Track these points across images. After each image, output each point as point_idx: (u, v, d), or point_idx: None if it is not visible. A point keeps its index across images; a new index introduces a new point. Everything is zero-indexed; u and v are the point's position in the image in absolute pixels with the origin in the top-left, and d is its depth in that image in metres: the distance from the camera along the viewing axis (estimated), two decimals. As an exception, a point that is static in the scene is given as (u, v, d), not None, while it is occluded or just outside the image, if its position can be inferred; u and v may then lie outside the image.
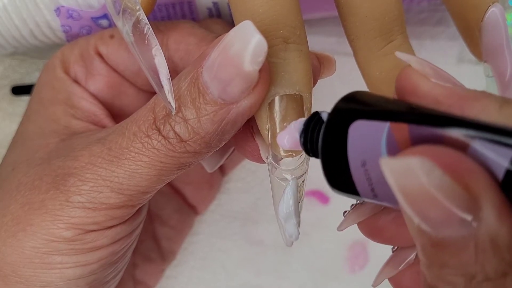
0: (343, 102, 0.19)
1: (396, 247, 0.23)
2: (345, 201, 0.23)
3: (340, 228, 0.23)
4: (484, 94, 0.17)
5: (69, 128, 0.27)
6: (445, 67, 0.20)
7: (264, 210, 0.37)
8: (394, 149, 0.17)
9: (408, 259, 0.23)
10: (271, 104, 0.21)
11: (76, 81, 0.28)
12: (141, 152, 0.23)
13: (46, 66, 0.29)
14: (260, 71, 0.20)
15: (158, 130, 0.22)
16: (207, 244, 0.37)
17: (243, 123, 0.22)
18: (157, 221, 0.34)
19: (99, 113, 0.28)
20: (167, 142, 0.22)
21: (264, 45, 0.20)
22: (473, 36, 0.26)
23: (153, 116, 0.23)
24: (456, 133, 0.15)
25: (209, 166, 0.29)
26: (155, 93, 0.22)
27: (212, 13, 0.32)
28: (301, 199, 0.23)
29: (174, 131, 0.22)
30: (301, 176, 0.23)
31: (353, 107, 0.18)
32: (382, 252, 0.24)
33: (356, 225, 0.23)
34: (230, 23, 0.32)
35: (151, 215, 0.34)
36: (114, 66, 0.29)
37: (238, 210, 0.37)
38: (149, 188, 0.23)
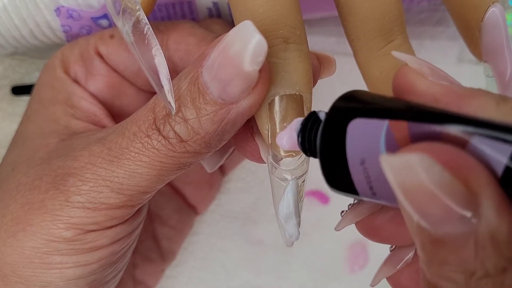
0: (340, 101, 0.19)
1: (393, 246, 0.23)
2: (346, 201, 0.23)
3: (338, 228, 0.23)
4: (481, 92, 0.17)
5: (69, 128, 0.27)
6: (445, 67, 0.20)
7: (264, 210, 0.37)
8: (393, 147, 0.17)
9: (406, 258, 0.23)
10: (271, 104, 0.21)
11: (76, 81, 0.28)
12: (141, 152, 0.23)
13: (46, 66, 0.29)
14: (260, 71, 0.20)
15: (158, 130, 0.22)
16: (207, 244, 0.37)
17: (243, 123, 0.22)
18: (157, 221, 0.34)
19: (99, 113, 0.28)
20: (167, 142, 0.22)
21: (264, 45, 0.20)
22: (473, 36, 0.26)
23: (153, 116, 0.23)
24: (455, 129, 0.16)
25: (209, 166, 0.29)
26: (155, 93, 0.22)
27: (212, 13, 0.32)
28: (301, 199, 0.23)
29: (174, 131, 0.22)
30: (301, 176, 0.23)
31: (351, 105, 0.18)
32: (382, 252, 0.24)
33: (354, 224, 0.23)
34: (230, 23, 0.32)
35: (151, 215, 0.34)
36: (114, 66, 0.29)
37: (238, 210, 0.37)
38: (149, 188, 0.23)
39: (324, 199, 0.37)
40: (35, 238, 0.24)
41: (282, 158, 0.22)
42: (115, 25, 0.27)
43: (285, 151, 0.22)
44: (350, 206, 0.23)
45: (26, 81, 0.36)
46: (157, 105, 0.23)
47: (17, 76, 0.36)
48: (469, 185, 0.15)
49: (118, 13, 0.22)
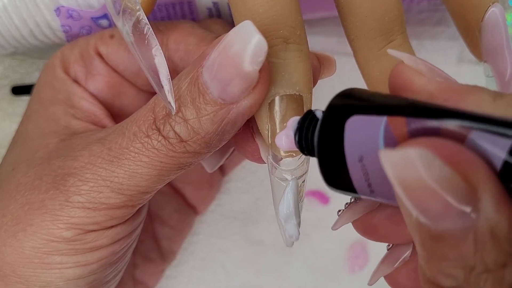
0: (338, 98, 0.19)
1: (391, 245, 0.23)
2: (346, 202, 0.23)
3: (335, 227, 0.23)
4: (477, 88, 0.17)
5: (69, 128, 0.27)
6: (445, 67, 0.20)
7: (264, 210, 0.37)
8: (392, 143, 0.17)
9: (403, 257, 0.23)
10: (271, 104, 0.21)
11: (76, 81, 0.28)
12: (141, 152, 0.23)
13: (46, 66, 0.29)
14: (260, 71, 0.20)
15: (158, 130, 0.22)
16: (207, 244, 0.37)
17: (243, 123, 0.22)
18: (157, 221, 0.34)
19: (99, 113, 0.28)
20: (167, 142, 0.22)
21: (264, 45, 0.20)
22: (473, 36, 0.26)
23: (153, 116, 0.23)
24: (453, 124, 0.16)
25: (209, 166, 0.29)
26: (155, 93, 0.22)
27: (212, 13, 0.32)
28: (301, 200, 0.23)
29: (174, 131, 0.22)
30: (301, 176, 0.23)
31: (349, 102, 0.18)
32: (382, 252, 0.24)
33: (351, 223, 0.23)
34: (230, 23, 0.32)
35: (151, 215, 0.34)
36: (114, 66, 0.29)
37: (238, 210, 0.37)
38: (149, 188, 0.23)
39: (324, 199, 0.37)
40: (35, 238, 0.24)
41: (282, 158, 0.22)
42: (115, 25, 0.27)
43: (285, 151, 0.22)
44: (346, 205, 0.23)
45: (26, 81, 0.36)
46: (157, 105, 0.23)
47: (17, 76, 0.36)
48: (468, 179, 0.15)
49: (118, 13, 0.22)
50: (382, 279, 0.24)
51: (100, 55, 0.28)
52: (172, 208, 0.34)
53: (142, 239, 0.33)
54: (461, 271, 0.15)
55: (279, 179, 0.23)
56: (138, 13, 0.22)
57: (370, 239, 0.23)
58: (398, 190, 0.15)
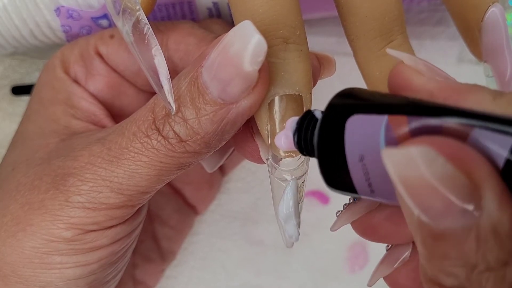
0: (338, 98, 0.19)
1: (390, 246, 0.23)
2: (346, 202, 0.23)
3: (333, 228, 0.23)
4: (477, 87, 0.17)
5: (69, 128, 0.27)
6: (445, 67, 0.20)
7: (264, 210, 0.37)
8: (393, 142, 0.17)
9: (403, 257, 0.23)
10: (270, 104, 0.21)
11: (76, 81, 0.28)
12: (141, 152, 0.23)
13: (46, 66, 0.29)
14: (260, 71, 0.20)
15: (158, 130, 0.22)
16: (207, 244, 0.37)
17: (242, 123, 0.22)
18: (157, 221, 0.34)
19: (99, 113, 0.28)
20: (166, 142, 0.22)
21: (263, 45, 0.20)
22: (473, 36, 0.26)
23: (152, 116, 0.23)
24: (455, 122, 0.16)
25: (209, 166, 0.29)
26: (155, 93, 0.22)
27: (212, 13, 0.32)
28: (301, 200, 0.23)
29: (173, 131, 0.22)
30: (301, 176, 0.23)
31: (349, 102, 0.18)
32: (382, 252, 0.24)
33: (350, 224, 0.23)
34: (230, 23, 0.32)
35: (151, 215, 0.34)
36: (114, 66, 0.29)
37: (238, 210, 0.37)
38: (149, 188, 0.23)
39: (324, 199, 0.37)
40: (35, 238, 0.24)
41: (281, 159, 0.22)
42: (115, 25, 0.27)
43: (285, 152, 0.22)
44: (345, 206, 0.23)
45: (26, 81, 0.36)
46: (157, 105, 0.23)
47: (17, 76, 0.36)
48: (471, 177, 0.15)
49: (118, 13, 0.22)
50: (381, 279, 0.24)
51: (100, 55, 0.28)
52: (172, 208, 0.34)
53: (142, 239, 0.33)
54: (462, 269, 0.15)
55: (278, 179, 0.23)
56: (138, 13, 0.22)
57: (369, 240, 0.23)
58: (400, 188, 0.15)
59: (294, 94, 0.21)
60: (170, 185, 0.34)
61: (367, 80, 0.24)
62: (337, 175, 0.18)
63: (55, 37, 0.32)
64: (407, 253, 0.23)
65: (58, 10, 0.30)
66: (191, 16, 0.32)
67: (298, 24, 0.22)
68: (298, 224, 0.23)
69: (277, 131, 0.21)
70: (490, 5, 0.25)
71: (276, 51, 0.21)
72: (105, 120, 0.28)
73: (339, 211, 0.23)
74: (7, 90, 0.36)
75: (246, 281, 0.37)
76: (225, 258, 0.37)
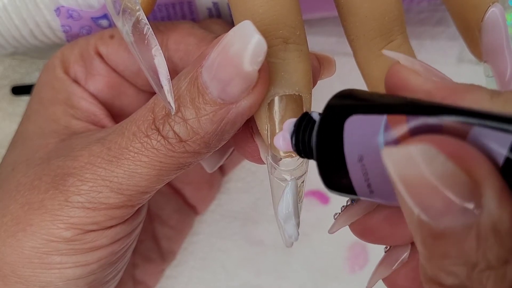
0: (336, 99, 0.19)
1: (388, 247, 0.23)
2: (346, 202, 0.23)
3: (331, 230, 0.23)
4: (474, 87, 0.17)
5: (69, 128, 0.27)
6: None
7: (264, 210, 0.37)
8: (392, 141, 0.17)
9: (401, 258, 0.23)
10: (270, 105, 0.21)
11: (76, 81, 0.28)
12: (141, 152, 0.23)
13: (46, 66, 0.29)
14: (260, 71, 0.20)
15: (158, 130, 0.22)
16: (207, 244, 0.37)
17: (242, 123, 0.22)
18: (157, 221, 0.34)
19: (99, 113, 0.28)
20: (166, 142, 0.22)
21: (263, 45, 0.20)
22: (473, 36, 0.26)
23: (152, 116, 0.23)
24: (455, 121, 0.16)
25: (209, 167, 0.29)
26: (155, 93, 0.22)
27: (212, 13, 0.32)
28: (300, 200, 0.23)
29: (173, 131, 0.22)
30: (301, 176, 0.23)
31: (347, 102, 0.18)
32: (382, 252, 0.24)
33: (348, 226, 0.23)
34: (230, 23, 0.32)
35: (151, 215, 0.34)
36: (114, 66, 0.29)
37: (238, 210, 0.37)
38: (149, 188, 0.23)
39: (324, 199, 0.37)
40: (34, 238, 0.24)
41: (281, 159, 0.22)
42: (115, 25, 0.27)
43: (284, 152, 0.22)
44: (343, 208, 0.23)
45: (26, 81, 0.36)
46: (157, 105, 0.23)
47: (17, 76, 0.36)
48: (472, 175, 0.15)
49: (118, 13, 0.22)
50: (380, 281, 0.24)
51: (100, 55, 0.28)
52: (172, 208, 0.34)
53: (142, 239, 0.33)
54: (463, 268, 0.15)
55: (278, 179, 0.23)
56: (138, 13, 0.22)
57: (368, 242, 0.23)
58: (400, 187, 0.15)
59: (294, 94, 0.21)
60: (170, 185, 0.34)
61: (367, 80, 0.24)
62: (336, 176, 0.18)
63: (55, 37, 0.32)
64: (405, 254, 0.23)
65: (58, 10, 0.30)
66: (191, 16, 0.32)
67: (298, 24, 0.22)
68: (298, 224, 0.23)
69: (277, 131, 0.21)
70: (490, 5, 0.25)
71: (276, 51, 0.21)
72: (105, 120, 0.28)
73: (336, 213, 0.23)
74: (7, 90, 0.36)
75: (246, 281, 0.37)
76: (225, 258, 0.37)
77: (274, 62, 0.21)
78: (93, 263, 0.25)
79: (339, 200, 0.23)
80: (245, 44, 0.20)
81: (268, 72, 0.21)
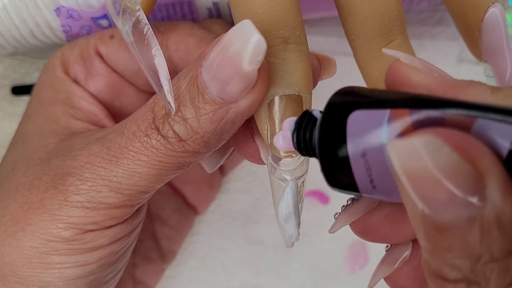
0: (337, 96, 0.19)
1: (389, 246, 0.23)
2: (346, 201, 0.23)
3: (332, 230, 0.23)
4: (475, 82, 0.17)
5: (69, 128, 0.27)
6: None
7: (264, 210, 0.37)
8: (396, 135, 0.17)
9: (403, 257, 0.23)
10: (270, 104, 0.21)
11: (76, 81, 0.28)
12: (140, 152, 0.23)
13: (46, 66, 0.29)
14: (259, 70, 0.20)
15: (157, 129, 0.22)
16: (207, 244, 0.37)
17: (242, 123, 0.22)
18: (157, 221, 0.34)
19: (99, 113, 0.28)
20: (166, 141, 0.22)
21: (263, 45, 0.20)
22: (473, 36, 0.26)
23: (152, 115, 0.23)
24: (458, 113, 0.16)
25: (209, 167, 0.29)
26: (155, 93, 0.22)
27: (212, 13, 0.32)
28: (301, 200, 0.23)
29: (173, 130, 0.22)
30: (301, 176, 0.23)
31: (350, 99, 0.18)
32: (382, 252, 0.24)
33: (348, 225, 0.23)
34: (230, 23, 0.32)
35: (151, 215, 0.34)
36: (114, 66, 0.29)
37: (238, 210, 0.37)
38: (148, 187, 0.23)
39: (324, 199, 0.37)
40: (34, 238, 0.24)
41: (281, 159, 0.22)
42: (115, 25, 0.27)
43: (284, 152, 0.22)
44: (343, 208, 0.23)
45: (26, 81, 0.36)
46: (157, 105, 0.23)
47: (17, 76, 0.36)
48: (476, 166, 0.15)
49: (118, 13, 0.22)
50: (381, 280, 0.24)
51: (100, 55, 0.28)
52: (172, 208, 0.34)
53: (142, 239, 0.33)
54: (467, 261, 0.15)
55: (278, 179, 0.23)
56: (138, 13, 0.22)
57: (369, 240, 0.23)
58: (404, 180, 0.15)
59: (294, 94, 0.21)
60: (170, 185, 0.34)
61: (367, 80, 0.24)
62: (339, 173, 0.18)
63: (55, 37, 0.32)
64: (407, 253, 0.23)
65: (58, 10, 0.30)
66: (191, 16, 0.32)
67: (298, 24, 0.22)
68: (298, 224, 0.23)
69: (277, 131, 0.21)
70: (490, 5, 0.25)
71: (276, 51, 0.21)
72: (105, 120, 0.28)
73: (337, 213, 0.23)
74: (7, 90, 0.36)
75: (246, 281, 0.37)
76: (225, 258, 0.37)
77: (274, 62, 0.21)
78: (93, 263, 0.24)
79: (339, 200, 0.23)
80: (244, 44, 0.20)
81: (267, 71, 0.21)
